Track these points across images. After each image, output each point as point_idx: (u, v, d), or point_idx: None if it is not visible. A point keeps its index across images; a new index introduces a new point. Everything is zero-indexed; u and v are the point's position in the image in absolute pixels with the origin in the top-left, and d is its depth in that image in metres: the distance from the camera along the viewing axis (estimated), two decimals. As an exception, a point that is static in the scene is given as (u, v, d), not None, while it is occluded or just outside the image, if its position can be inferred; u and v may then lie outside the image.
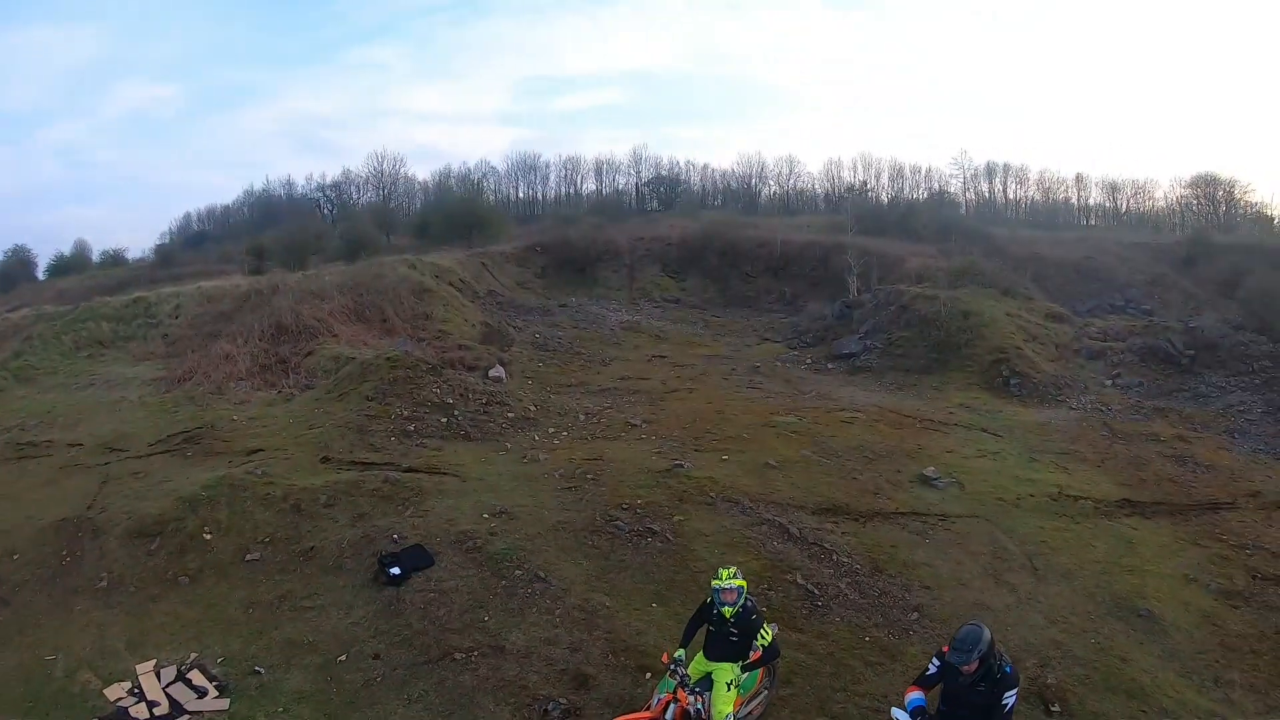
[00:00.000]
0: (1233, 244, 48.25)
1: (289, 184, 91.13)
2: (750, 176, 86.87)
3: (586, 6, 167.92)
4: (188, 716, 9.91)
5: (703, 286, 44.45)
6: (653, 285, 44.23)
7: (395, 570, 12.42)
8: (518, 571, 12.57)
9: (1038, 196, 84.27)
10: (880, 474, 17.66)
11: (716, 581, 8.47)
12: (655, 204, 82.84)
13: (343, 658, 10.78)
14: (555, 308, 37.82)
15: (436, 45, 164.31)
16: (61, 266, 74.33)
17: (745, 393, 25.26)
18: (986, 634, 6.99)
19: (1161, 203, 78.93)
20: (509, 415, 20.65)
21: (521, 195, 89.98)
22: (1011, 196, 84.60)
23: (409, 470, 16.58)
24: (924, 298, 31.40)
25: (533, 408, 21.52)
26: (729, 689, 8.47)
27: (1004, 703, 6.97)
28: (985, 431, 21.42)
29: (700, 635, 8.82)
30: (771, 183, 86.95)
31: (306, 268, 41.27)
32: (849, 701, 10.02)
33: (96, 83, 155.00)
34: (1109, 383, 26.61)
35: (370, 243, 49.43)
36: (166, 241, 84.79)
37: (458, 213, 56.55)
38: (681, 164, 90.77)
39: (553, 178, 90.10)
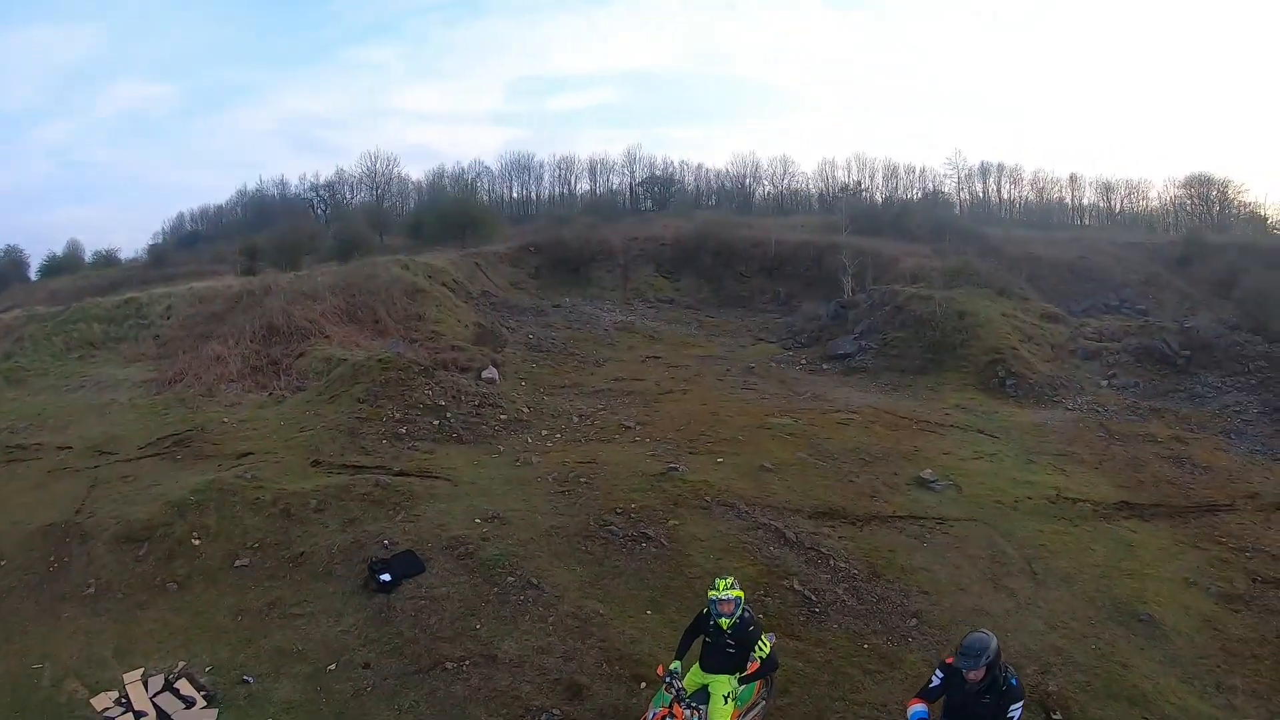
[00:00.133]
0: (1227, 244, 48.24)
1: (282, 184, 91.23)
2: (744, 176, 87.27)
3: (582, 6, 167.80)
4: (175, 727, 9.72)
5: (697, 287, 44.27)
6: (647, 285, 44.05)
7: (386, 577, 12.24)
8: (510, 578, 12.40)
9: (1032, 196, 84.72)
10: (877, 476, 17.53)
11: (713, 592, 8.27)
12: (649, 204, 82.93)
13: (332, 667, 10.59)
14: (549, 308, 37.65)
15: (431, 45, 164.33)
16: (54, 267, 74.28)
17: (740, 394, 25.13)
18: (994, 642, 6.85)
19: (1155, 203, 79.43)
20: (502, 417, 20.46)
21: (515, 195, 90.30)
22: (1006, 196, 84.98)
23: (400, 474, 16.39)
24: (919, 298, 31.27)
25: (526, 409, 21.33)
26: (726, 702, 8.29)
27: (1009, 716, 6.83)
28: (982, 433, 21.31)
29: (696, 646, 8.62)
30: (766, 183, 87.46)
31: (299, 268, 41.02)
32: (848, 711, 9.88)
33: (91, 82, 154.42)
34: (1105, 383, 26.53)
35: (363, 243, 49.11)
36: (159, 241, 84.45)
37: (451, 213, 56.45)
38: (676, 164, 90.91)
39: (547, 177, 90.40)
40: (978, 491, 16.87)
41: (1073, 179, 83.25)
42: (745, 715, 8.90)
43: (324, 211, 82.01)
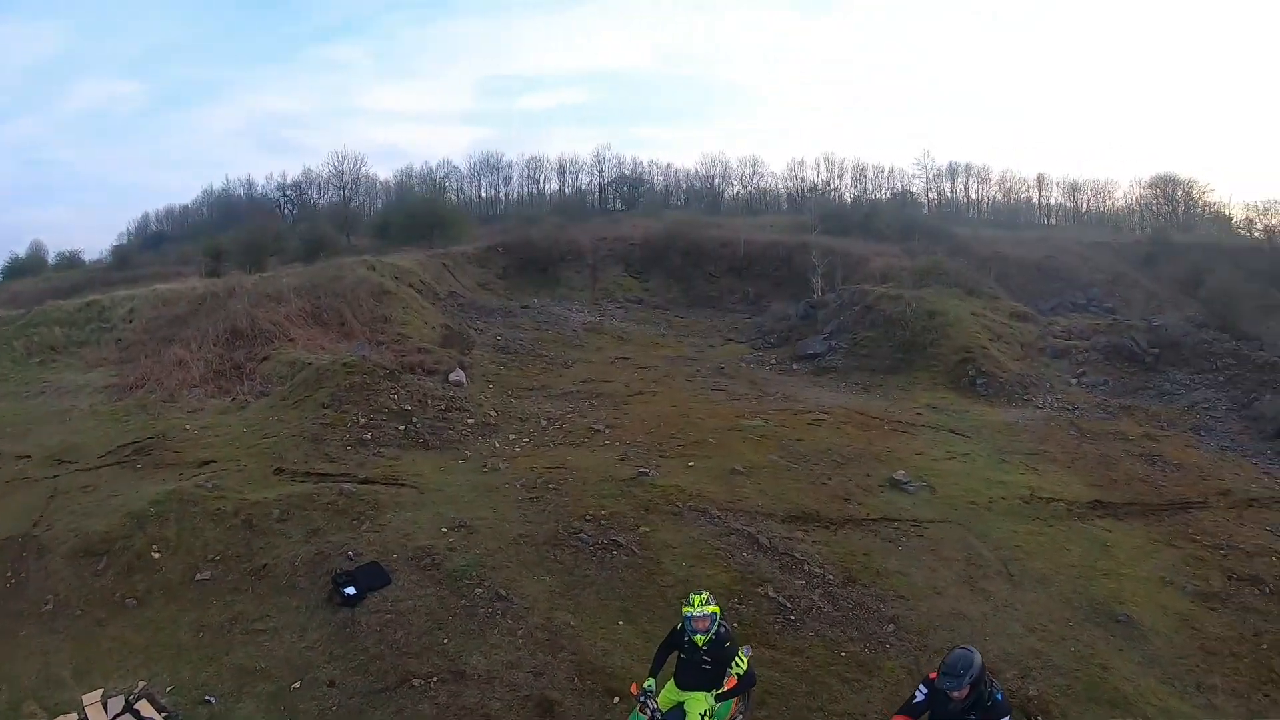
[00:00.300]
0: (1192, 243, 49.04)
1: (249, 184, 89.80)
2: (714, 176, 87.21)
3: (552, 6, 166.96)
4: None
5: (666, 287, 44.14)
6: (615, 286, 43.83)
7: (350, 590, 11.89)
8: (478, 589, 12.08)
9: (999, 196, 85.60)
10: (850, 478, 17.35)
11: (688, 609, 7.96)
12: (618, 204, 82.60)
13: (296, 685, 10.24)
14: (517, 309, 37.31)
15: (401, 43, 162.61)
16: (16, 269, 72.60)
17: (710, 395, 24.94)
18: (977, 658, 6.65)
19: (1121, 202, 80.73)
20: (469, 421, 20.12)
21: (484, 195, 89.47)
22: (974, 196, 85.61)
23: (365, 482, 15.99)
24: (889, 297, 31.29)
25: (493, 413, 21.00)
26: (702, 719, 8.05)
27: (996, 732, 6.64)
28: (953, 432, 21.24)
29: (671, 661, 8.34)
30: (735, 182, 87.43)
31: (264, 269, 40.32)
32: (826, 722, 9.67)
33: (56, 80, 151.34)
34: (1074, 381, 26.62)
35: (330, 243, 48.54)
36: (124, 242, 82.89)
37: (419, 213, 55.95)
38: (645, 164, 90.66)
39: (515, 177, 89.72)
40: (951, 492, 16.75)
41: (1040, 179, 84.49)
42: (722, 731, 8.65)
43: (291, 211, 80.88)
